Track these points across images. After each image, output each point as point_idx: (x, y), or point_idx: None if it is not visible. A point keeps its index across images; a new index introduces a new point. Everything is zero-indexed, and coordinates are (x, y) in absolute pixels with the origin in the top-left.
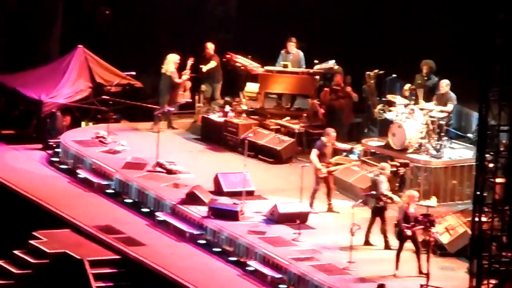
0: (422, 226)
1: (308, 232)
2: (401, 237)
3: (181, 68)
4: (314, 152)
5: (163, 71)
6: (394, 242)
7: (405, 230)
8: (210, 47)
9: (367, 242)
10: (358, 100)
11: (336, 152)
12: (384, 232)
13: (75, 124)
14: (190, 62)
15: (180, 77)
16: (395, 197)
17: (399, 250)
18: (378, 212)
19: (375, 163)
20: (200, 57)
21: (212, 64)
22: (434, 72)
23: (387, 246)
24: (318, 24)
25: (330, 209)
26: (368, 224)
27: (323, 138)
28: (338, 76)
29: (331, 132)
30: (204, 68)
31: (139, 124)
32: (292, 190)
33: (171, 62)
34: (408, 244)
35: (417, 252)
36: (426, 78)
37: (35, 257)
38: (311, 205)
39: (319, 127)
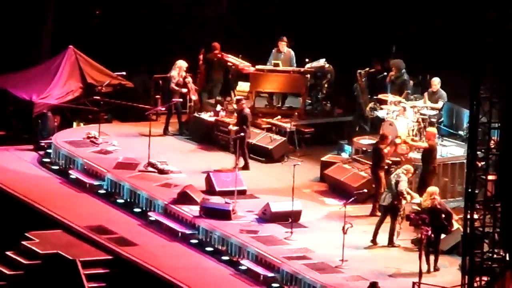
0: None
1: (300, 230)
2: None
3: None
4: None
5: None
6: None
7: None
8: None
9: (374, 241)
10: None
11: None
12: (393, 230)
13: (66, 125)
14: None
15: (183, 82)
16: (415, 195)
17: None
18: (392, 211)
19: (367, 161)
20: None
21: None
22: (404, 70)
23: (392, 244)
24: (309, 23)
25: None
26: (378, 222)
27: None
28: None
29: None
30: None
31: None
32: (284, 189)
33: (175, 67)
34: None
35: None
36: (397, 76)
37: (27, 258)
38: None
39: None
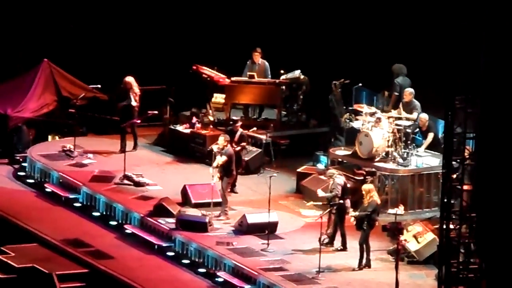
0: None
1: (277, 242)
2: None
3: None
4: None
5: None
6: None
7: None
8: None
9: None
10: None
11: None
12: (345, 232)
13: (41, 138)
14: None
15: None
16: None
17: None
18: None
19: (343, 172)
20: None
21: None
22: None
23: (345, 246)
24: (284, 34)
25: None
26: (335, 225)
27: None
28: None
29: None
30: None
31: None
32: (260, 201)
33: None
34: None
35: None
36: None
37: (3, 272)
38: None
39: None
